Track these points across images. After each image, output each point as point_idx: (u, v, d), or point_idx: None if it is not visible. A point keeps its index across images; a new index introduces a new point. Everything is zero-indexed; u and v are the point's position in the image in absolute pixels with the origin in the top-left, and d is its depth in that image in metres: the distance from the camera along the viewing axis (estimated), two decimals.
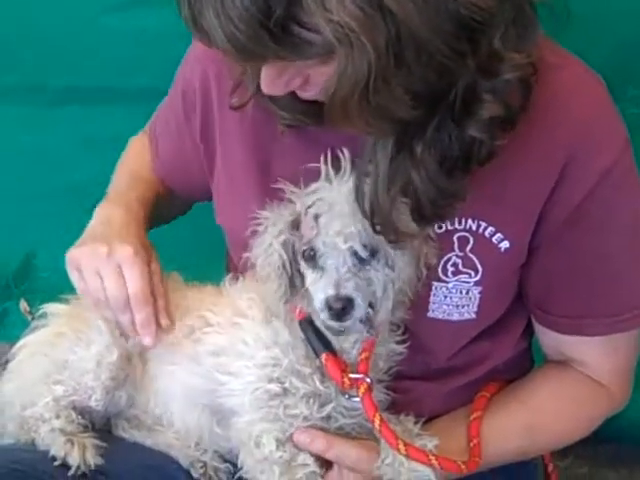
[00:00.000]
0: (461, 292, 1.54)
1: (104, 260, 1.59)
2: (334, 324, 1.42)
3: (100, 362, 1.64)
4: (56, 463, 1.58)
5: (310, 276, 1.45)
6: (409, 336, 1.55)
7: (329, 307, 1.40)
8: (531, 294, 1.60)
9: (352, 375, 1.49)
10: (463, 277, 1.53)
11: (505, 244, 1.51)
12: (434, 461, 1.48)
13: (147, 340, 1.60)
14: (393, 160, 1.37)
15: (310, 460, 1.50)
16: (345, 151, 1.45)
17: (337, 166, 1.45)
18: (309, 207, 1.44)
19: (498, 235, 1.51)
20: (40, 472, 1.56)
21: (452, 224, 1.50)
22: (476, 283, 1.54)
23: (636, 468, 2.52)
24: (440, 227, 1.50)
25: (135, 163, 1.88)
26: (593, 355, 1.63)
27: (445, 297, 1.55)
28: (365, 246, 1.41)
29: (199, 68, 1.64)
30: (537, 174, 1.46)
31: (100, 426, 1.69)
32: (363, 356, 1.49)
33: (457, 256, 1.52)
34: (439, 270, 1.52)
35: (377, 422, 1.48)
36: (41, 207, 2.61)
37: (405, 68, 1.23)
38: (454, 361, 1.62)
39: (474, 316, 1.57)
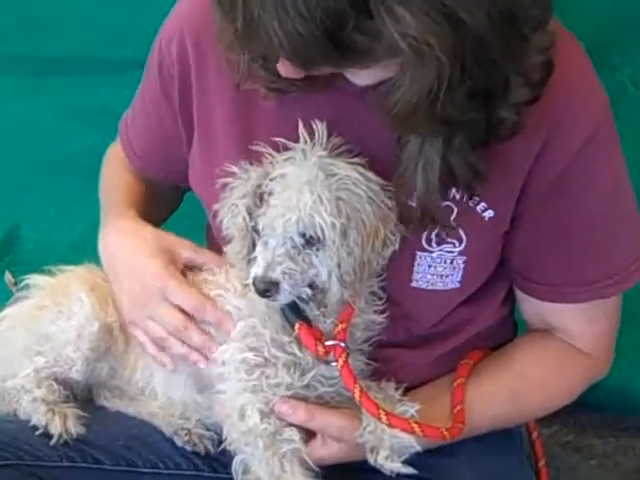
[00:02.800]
0: (445, 262, 1.54)
1: (147, 304, 1.61)
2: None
3: (81, 333, 1.64)
4: (37, 432, 1.59)
5: (257, 248, 1.47)
6: (391, 304, 1.55)
7: (254, 285, 1.43)
8: (513, 261, 1.59)
9: (328, 342, 1.48)
10: (447, 247, 1.53)
11: (489, 213, 1.51)
12: (417, 429, 1.48)
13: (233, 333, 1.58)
14: (442, 155, 1.39)
15: (296, 436, 1.50)
16: (319, 124, 1.45)
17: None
18: (272, 179, 1.45)
19: (482, 204, 1.50)
20: (21, 442, 1.57)
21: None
22: (460, 253, 1.53)
23: (622, 435, 2.53)
24: None
25: (113, 175, 1.87)
26: (575, 322, 1.63)
27: (429, 267, 1.54)
28: (304, 235, 1.42)
29: (176, 36, 1.61)
30: (521, 141, 1.44)
31: (82, 397, 1.69)
32: (340, 327, 1.49)
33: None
34: (423, 240, 1.52)
35: (357, 392, 1.47)
36: (26, 179, 2.59)
37: (468, 74, 1.24)
38: (437, 328, 1.62)
39: (458, 285, 1.56)
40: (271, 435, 1.49)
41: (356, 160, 1.46)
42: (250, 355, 1.51)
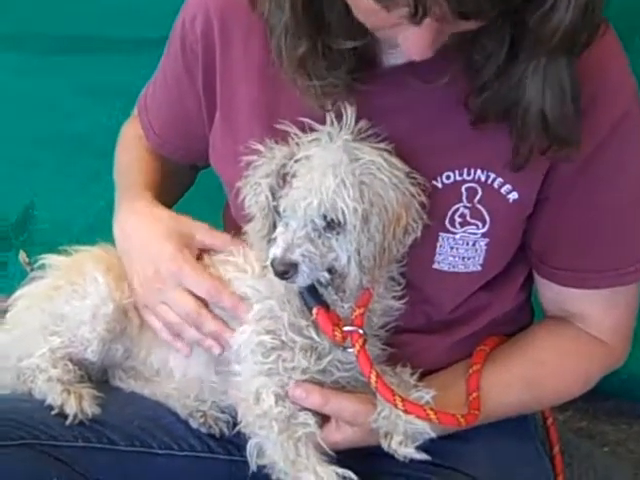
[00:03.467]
0: (467, 244, 1.53)
1: (161, 289, 1.60)
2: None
3: (96, 314, 1.64)
4: (53, 412, 1.59)
5: (278, 229, 1.46)
6: (411, 288, 1.54)
7: (273, 267, 1.43)
8: (534, 245, 1.58)
9: (345, 328, 1.48)
10: (470, 228, 1.52)
11: (514, 195, 1.50)
12: (432, 415, 1.47)
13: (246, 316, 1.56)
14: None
15: (311, 420, 1.49)
16: (348, 107, 1.44)
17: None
18: (296, 160, 1.44)
19: (507, 186, 1.50)
20: (37, 421, 1.57)
21: (460, 175, 1.49)
22: (483, 235, 1.53)
23: (635, 423, 2.53)
24: (448, 177, 1.49)
25: (129, 155, 1.86)
26: (594, 309, 1.62)
27: (452, 248, 1.53)
28: (325, 218, 1.41)
29: (201, 14, 1.60)
30: None
31: (97, 377, 1.70)
32: (358, 312, 1.49)
33: (465, 207, 1.51)
34: (446, 221, 1.51)
35: (373, 378, 1.47)
36: (40, 158, 2.60)
37: None
38: (455, 313, 1.61)
39: (479, 268, 1.56)
40: (286, 419, 1.49)
41: (382, 145, 1.45)
42: (267, 338, 1.50)
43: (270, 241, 1.47)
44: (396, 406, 1.47)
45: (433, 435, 1.49)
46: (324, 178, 1.40)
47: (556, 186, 1.50)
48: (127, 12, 2.44)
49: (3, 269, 2.69)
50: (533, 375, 1.63)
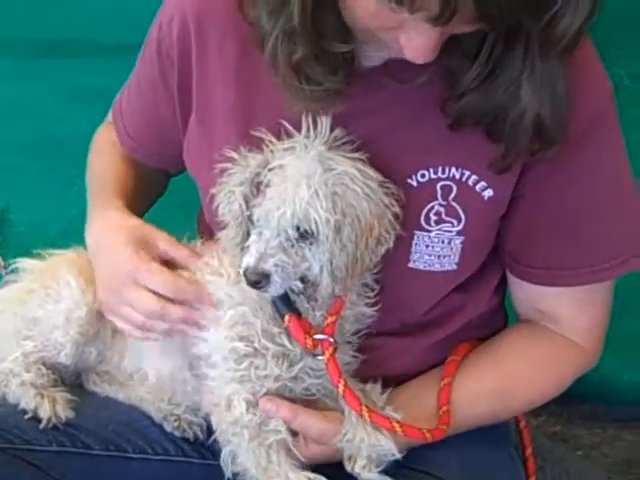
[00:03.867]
0: (443, 242, 1.53)
1: (120, 290, 1.58)
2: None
3: (69, 318, 1.64)
4: (27, 416, 1.58)
5: (251, 237, 1.46)
6: (386, 292, 1.54)
7: (245, 276, 1.43)
8: (508, 245, 1.59)
9: (317, 336, 1.48)
10: (446, 226, 1.52)
11: (489, 192, 1.50)
12: (398, 428, 1.47)
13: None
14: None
15: (282, 427, 1.49)
16: (324, 118, 1.44)
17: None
18: (270, 169, 1.44)
19: (482, 183, 1.50)
20: (11, 426, 1.57)
21: (435, 173, 1.49)
22: (458, 233, 1.53)
23: (609, 427, 2.55)
24: (423, 176, 1.49)
25: (101, 161, 1.85)
26: (568, 309, 1.62)
27: (427, 247, 1.53)
28: (298, 228, 1.41)
29: (177, 17, 1.60)
30: None
31: (71, 381, 1.69)
32: (329, 320, 1.49)
33: (440, 205, 1.51)
34: (421, 219, 1.51)
35: (341, 387, 1.47)
36: (17, 161, 2.58)
37: None
38: (429, 315, 1.62)
39: (455, 267, 1.56)
40: (257, 426, 1.49)
41: (356, 155, 1.45)
42: (240, 345, 1.50)
43: (243, 249, 1.47)
44: (362, 416, 1.47)
45: (399, 456, 1.49)
46: (298, 189, 1.40)
47: (530, 184, 1.50)
48: (109, 17, 2.43)
49: None
50: (505, 386, 1.62)
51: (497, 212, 1.54)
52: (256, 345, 1.50)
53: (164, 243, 1.62)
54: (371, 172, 1.44)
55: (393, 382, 1.59)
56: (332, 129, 1.45)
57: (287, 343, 1.50)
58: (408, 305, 1.59)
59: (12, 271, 1.76)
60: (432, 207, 1.51)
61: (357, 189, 1.41)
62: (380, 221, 1.43)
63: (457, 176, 1.49)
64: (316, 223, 1.40)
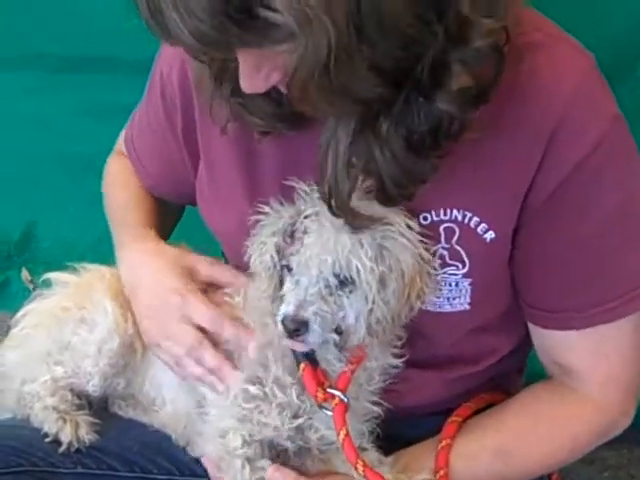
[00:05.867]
0: (450, 284, 1.50)
1: (166, 322, 1.57)
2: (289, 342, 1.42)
3: (101, 349, 1.63)
4: (48, 440, 1.59)
5: (286, 286, 1.43)
6: (408, 325, 1.50)
7: (284, 325, 1.39)
8: (516, 286, 1.54)
9: (329, 390, 1.46)
10: (450, 269, 1.49)
11: (490, 234, 1.46)
12: None
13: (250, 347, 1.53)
14: (355, 139, 1.31)
15: (268, 466, 1.49)
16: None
17: None
18: (306, 217, 1.42)
19: (483, 225, 1.46)
20: (35, 448, 1.57)
21: (437, 215, 1.46)
22: (464, 275, 1.49)
23: (636, 448, 2.52)
24: (425, 219, 1.46)
25: (122, 193, 1.84)
26: (582, 359, 1.55)
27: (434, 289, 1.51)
28: (337, 275, 1.39)
29: (177, 64, 1.59)
30: (519, 161, 1.40)
31: (96, 404, 1.69)
32: (348, 369, 1.47)
33: (443, 248, 1.47)
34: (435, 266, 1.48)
35: (341, 436, 1.45)
36: (43, 176, 2.60)
37: (367, 43, 1.17)
38: (456, 350, 1.59)
39: (468, 307, 1.52)
40: (248, 459, 1.49)
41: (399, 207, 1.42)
42: (253, 388, 1.49)
43: (275, 300, 1.45)
44: (356, 469, 1.45)
45: None
46: (339, 235, 1.38)
47: (527, 217, 1.45)
48: (130, 32, 2.42)
49: (6, 287, 2.69)
50: (506, 446, 1.57)
51: (501, 254, 1.49)
52: (267, 390, 1.49)
53: (206, 267, 1.60)
54: (414, 224, 1.42)
55: (412, 413, 1.59)
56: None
57: (295, 396, 1.48)
58: (430, 338, 1.56)
59: (42, 284, 1.75)
60: (436, 251, 1.47)
61: (405, 242, 1.39)
62: (421, 276, 1.41)
63: (459, 218, 1.46)
64: (358, 271, 1.37)
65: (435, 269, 1.45)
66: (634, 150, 1.47)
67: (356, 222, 1.37)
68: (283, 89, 1.30)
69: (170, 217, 1.86)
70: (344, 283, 1.39)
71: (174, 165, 1.70)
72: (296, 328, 1.38)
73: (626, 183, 1.45)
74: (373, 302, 1.39)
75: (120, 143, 1.88)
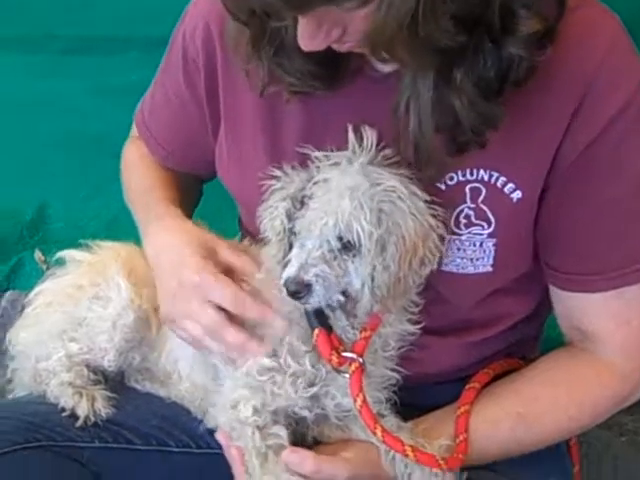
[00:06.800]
0: (474, 245, 1.51)
1: (185, 302, 1.55)
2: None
3: (115, 324, 1.64)
4: (65, 414, 1.60)
5: (293, 250, 1.45)
6: (427, 289, 1.52)
7: (286, 286, 1.41)
8: (539, 247, 1.55)
9: (344, 354, 1.47)
10: (476, 229, 1.50)
11: (517, 194, 1.48)
12: (410, 453, 1.46)
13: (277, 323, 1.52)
14: (435, 90, 1.35)
15: (283, 432, 1.49)
16: (368, 130, 1.44)
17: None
18: (315, 183, 1.43)
19: (510, 185, 1.47)
20: (53, 423, 1.58)
21: (464, 175, 1.47)
22: (489, 235, 1.51)
23: None
24: (452, 179, 1.48)
25: (143, 178, 1.83)
26: (603, 324, 1.55)
27: (458, 250, 1.51)
28: (340, 238, 1.40)
29: (201, 25, 1.59)
30: (549, 121, 1.43)
31: (112, 378, 1.70)
32: (362, 335, 1.48)
33: (469, 208, 1.49)
34: (451, 222, 1.49)
35: (359, 402, 1.46)
36: (54, 157, 2.60)
37: None
38: (474, 314, 1.59)
39: (490, 269, 1.53)
40: (259, 428, 1.49)
41: (403, 172, 1.43)
42: (267, 361, 1.50)
43: (285, 265, 1.45)
44: (375, 434, 1.46)
45: None
46: (341, 200, 1.39)
47: (556, 177, 1.47)
48: (141, 11, 2.44)
49: (19, 268, 2.70)
50: (526, 410, 1.57)
51: (527, 214, 1.50)
52: (281, 361, 1.49)
53: (225, 251, 1.59)
54: (418, 190, 1.42)
55: (430, 380, 1.60)
56: (378, 146, 1.44)
57: (308, 365, 1.49)
58: (449, 302, 1.57)
59: (56, 263, 1.75)
60: (462, 210, 1.49)
61: (404, 207, 1.40)
62: (425, 242, 1.42)
63: (486, 178, 1.47)
64: (359, 235, 1.38)
65: (444, 238, 1.45)
66: None
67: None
68: (340, 47, 1.34)
69: (189, 197, 1.84)
70: (347, 247, 1.40)
71: (193, 131, 1.70)
72: (298, 290, 1.40)
73: None
74: (372, 267, 1.39)
75: (135, 128, 1.88)
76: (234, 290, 1.52)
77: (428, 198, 1.43)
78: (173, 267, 1.58)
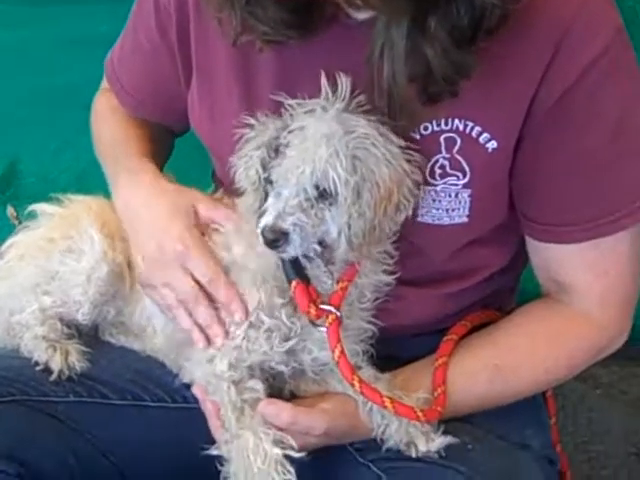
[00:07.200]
0: (450, 195, 1.51)
1: (165, 268, 1.55)
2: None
3: (89, 277, 1.63)
4: (38, 368, 1.59)
5: (269, 199, 1.44)
6: (400, 241, 1.52)
7: (263, 235, 1.41)
8: (515, 198, 1.54)
9: (322, 306, 1.46)
10: (451, 179, 1.50)
11: (492, 144, 1.47)
12: (388, 404, 1.46)
13: (237, 315, 1.51)
14: (408, 38, 1.34)
15: (259, 386, 1.49)
16: (343, 77, 1.42)
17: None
18: (290, 131, 1.42)
19: (485, 135, 1.47)
20: (27, 378, 1.57)
21: (438, 125, 1.47)
22: (465, 186, 1.50)
23: (627, 365, 2.55)
24: (426, 128, 1.47)
25: (114, 129, 1.81)
26: (580, 276, 1.56)
27: (434, 201, 1.51)
28: (317, 187, 1.39)
29: None
30: (523, 70, 1.42)
31: (86, 332, 1.69)
32: (339, 286, 1.47)
33: (444, 158, 1.48)
34: (426, 173, 1.48)
35: (337, 354, 1.46)
36: (24, 111, 2.56)
37: None
38: (450, 266, 1.59)
39: (466, 220, 1.53)
40: (235, 382, 1.49)
41: (378, 118, 1.42)
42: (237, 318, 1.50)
43: (261, 214, 1.45)
44: (353, 386, 1.46)
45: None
46: (317, 148, 1.38)
47: (531, 126, 1.46)
48: None
49: None
50: (504, 362, 1.57)
51: (503, 164, 1.50)
52: (252, 319, 1.49)
53: (206, 208, 1.58)
54: (393, 137, 1.42)
55: (407, 332, 1.59)
56: (352, 93, 1.43)
57: (284, 318, 1.48)
58: (424, 254, 1.56)
59: (27, 216, 1.73)
60: (437, 160, 1.48)
61: (378, 153, 1.40)
62: (399, 188, 1.41)
63: (460, 128, 1.46)
64: (334, 182, 1.38)
65: (419, 183, 1.44)
66: (635, 64, 1.48)
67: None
68: None
69: (161, 150, 1.82)
70: (324, 195, 1.40)
71: (163, 80, 1.68)
72: (275, 238, 1.39)
73: (628, 96, 1.47)
74: (349, 215, 1.39)
75: (105, 80, 1.86)
76: (213, 268, 1.53)
77: (403, 144, 1.43)
78: (153, 230, 1.58)
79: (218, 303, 1.53)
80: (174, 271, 1.54)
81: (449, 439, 1.49)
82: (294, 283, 1.47)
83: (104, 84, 1.86)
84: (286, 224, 1.39)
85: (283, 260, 1.47)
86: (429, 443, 1.49)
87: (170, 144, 1.87)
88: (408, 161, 1.43)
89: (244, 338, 1.49)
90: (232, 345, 1.49)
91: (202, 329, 1.53)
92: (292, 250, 1.41)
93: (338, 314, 1.46)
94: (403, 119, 1.41)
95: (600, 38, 1.42)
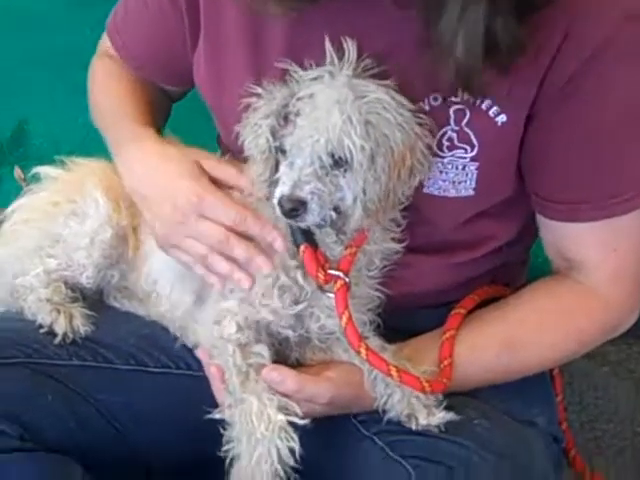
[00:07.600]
0: (457, 168, 1.49)
1: (184, 222, 1.53)
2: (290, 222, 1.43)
3: (93, 240, 1.63)
4: (42, 331, 1.58)
5: (281, 168, 1.43)
6: (409, 210, 1.51)
7: (281, 205, 1.39)
8: (526, 176, 1.53)
9: (330, 271, 1.45)
10: (459, 152, 1.48)
11: (502, 118, 1.45)
12: (394, 373, 1.45)
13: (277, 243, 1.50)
14: (483, 11, 1.31)
15: (266, 352, 1.48)
16: (349, 42, 1.41)
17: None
18: (299, 98, 1.41)
19: (495, 108, 1.45)
20: (31, 340, 1.57)
21: (449, 96, 1.45)
22: (472, 159, 1.48)
23: (635, 343, 2.54)
24: (436, 99, 1.45)
25: (112, 93, 1.78)
26: (590, 254, 1.54)
27: (440, 172, 1.49)
28: (332, 154, 1.38)
29: None
30: (538, 43, 1.39)
31: (91, 296, 1.68)
32: (348, 251, 1.47)
33: (453, 130, 1.47)
34: (434, 144, 1.46)
35: (344, 320, 1.45)
36: (32, 72, 2.55)
37: None
38: (457, 236, 1.58)
39: (472, 192, 1.51)
40: (241, 345, 1.48)
41: (387, 82, 1.41)
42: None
43: (272, 184, 1.44)
44: (359, 353, 1.45)
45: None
46: (330, 115, 1.37)
47: (541, 109, 1.45)
48: None
49: None
50: (512, 336, 1.56)
51: (512, 138, 1.48)
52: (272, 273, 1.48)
53: (210, 165, 1.56)
54: (404, 100, 1.40)
55: (415, 302, 1.58)
56: (359, 57, 1.42)
57: (300, 279, 1.48)
58: (431, 223, 1.55)
59: (32, 179, 1.73)
60: (445, 132, 1.47)
61: (390, 118, 1.38)
62: (412, 152, 1.40)
63: (471, 100, 1.44)
64: (350, 150, 1.37)
65: (430, 147, 1.43)
66: None
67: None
68: None
69: (159, 114, 1.80)
70: (338, 163, 1.39)
71: (170, 39, 1.65)
72: (294, 207, 1.38)
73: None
74: (364, 180, 1.38)
75: (102, 44, 1.83)
76: (236, 207, 1.51)
77: (413, 107, 1.41)
78: (164, 193, 1.56)
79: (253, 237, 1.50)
80: (195, 222, 1.52)
81: (451, 415, 1.48)
82: (302, 247, 1.46)
83: (100, 47, 1.83)
84: (304, 193, 1.38)
85: (291, 226, 1.46)
86: (430, 417, 1.47)
87: (167, 109, 1.85)
88: (419, 125, 1.41)
89: (257, 292, 1.48)
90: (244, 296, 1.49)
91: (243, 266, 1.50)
92: (311, 219, 1.40)
93: (346, 280, 1.45)
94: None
95: (609, 22, 1.40)
